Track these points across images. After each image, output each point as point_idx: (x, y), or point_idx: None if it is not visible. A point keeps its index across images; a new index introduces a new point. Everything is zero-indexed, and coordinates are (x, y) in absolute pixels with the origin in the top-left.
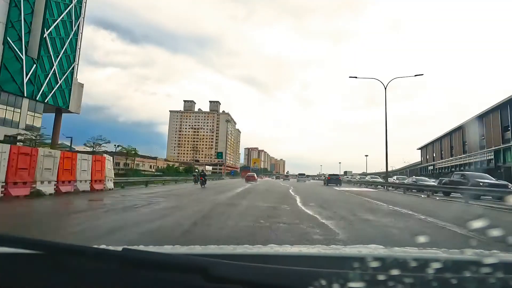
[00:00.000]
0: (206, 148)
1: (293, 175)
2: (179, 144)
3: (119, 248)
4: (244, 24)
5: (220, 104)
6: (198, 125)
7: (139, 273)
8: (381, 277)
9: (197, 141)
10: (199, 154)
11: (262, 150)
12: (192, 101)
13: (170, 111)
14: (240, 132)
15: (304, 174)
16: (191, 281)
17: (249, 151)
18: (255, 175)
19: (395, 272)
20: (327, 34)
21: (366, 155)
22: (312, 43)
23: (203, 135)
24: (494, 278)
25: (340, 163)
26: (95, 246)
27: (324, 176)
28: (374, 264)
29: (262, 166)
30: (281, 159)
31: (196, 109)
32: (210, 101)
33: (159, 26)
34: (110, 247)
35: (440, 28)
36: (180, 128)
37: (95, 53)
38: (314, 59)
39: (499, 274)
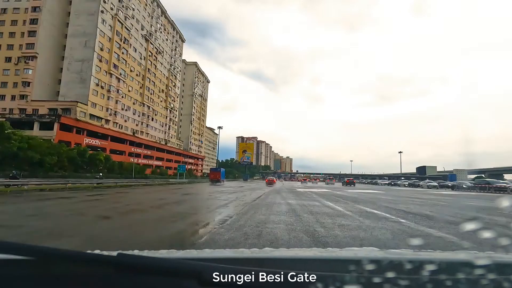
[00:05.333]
0: (43, 74)
1: (306, 174)
2: None
3: (114, 253)
4: (247, 4)
5: None
6: None
7: (134, 278)
8: (377, 280)
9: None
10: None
11: (263, 141)
12: None
13: None
14: (208, 82)
15: (332, 178)
16: (186, 286)
17: (243, 140)
18: (275, 179)
19: (390, 274)
20: (341, 20)
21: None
22: (325, 31)
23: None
24: (487, 279)
25: (400, 152)
26: (90, 251)
27: (343, 179)
28: (370, 266)
29: (263, 163)
30: (287, 157)
31: None
32: None
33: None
34: (105, 252)
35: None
36: None
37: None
38: (328, 50)
39: (492, 275)
